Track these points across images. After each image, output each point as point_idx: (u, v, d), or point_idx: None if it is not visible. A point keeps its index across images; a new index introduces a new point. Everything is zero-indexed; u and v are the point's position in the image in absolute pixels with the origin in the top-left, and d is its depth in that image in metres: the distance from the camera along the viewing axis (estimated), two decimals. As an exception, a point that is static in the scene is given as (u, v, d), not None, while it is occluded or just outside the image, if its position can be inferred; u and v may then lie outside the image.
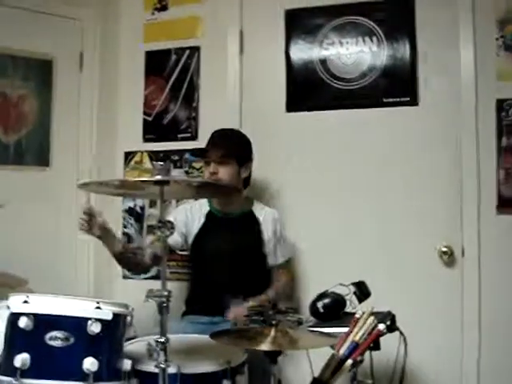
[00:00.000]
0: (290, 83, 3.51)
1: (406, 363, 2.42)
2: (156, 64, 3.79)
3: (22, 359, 1.94)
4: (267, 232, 3.11)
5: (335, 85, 3.41)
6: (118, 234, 3.45)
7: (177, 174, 3.58)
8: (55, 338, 1.99)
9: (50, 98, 3.60)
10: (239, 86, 3.56)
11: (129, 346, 2.31)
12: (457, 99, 3.19)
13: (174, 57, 3.73)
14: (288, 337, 2.09)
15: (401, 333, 2.40)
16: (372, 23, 3.35)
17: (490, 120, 3.14)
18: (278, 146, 3.50)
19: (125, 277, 3.70)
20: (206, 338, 2.23)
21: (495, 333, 3.08)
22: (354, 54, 3.39)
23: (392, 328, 2.37)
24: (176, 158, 3.66)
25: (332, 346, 2.18)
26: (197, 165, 3.60)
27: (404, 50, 3.30)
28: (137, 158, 3.77)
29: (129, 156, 3.80)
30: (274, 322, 2.12)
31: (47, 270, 3.24)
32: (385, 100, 3.32)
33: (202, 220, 3.15)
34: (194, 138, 3.64)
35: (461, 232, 3.16)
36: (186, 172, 3.63)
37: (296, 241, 3.34)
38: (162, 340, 1.97)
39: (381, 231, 3.30)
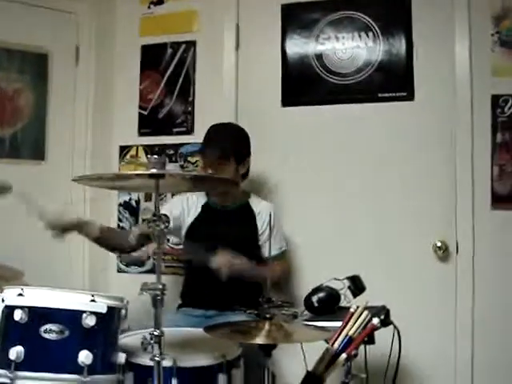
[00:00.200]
0: (286, 78, 3.51)
1: (400, 357, 2.43)
2: (152, 58, 3.78)
3: (16, 352, 1.95)
4: (261, 224, 3.11)
5: (331, 80, 3.42)
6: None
7: (172, 168, 3.58)
8: (50, 331, 2.00)
9: (46, 91, 3.60)
10: (235, 81, 3.56)
11: (123, 339, 2.32)
12: (452, 95, 3.19)
13: (169, 51, 3.73)
14: (282, 330, 2.10)
15: (395, 327, 2.41)
16: (368, 18, 3.35)
17: (485, 116, 3.14)
18: (274, 140, 3.50)
19: (120, 270, 3.70)
20: (201, 331, 2.23)
21: (489, 327, 3.09)
22: (349, 49, 3.39)
23: (386, 322, 2.38)
24: (171, 152, 3.66)
25: (326, 340, 2.19)
26: (192, 159, 3.60)
27: (400, 45, 3.30)
28: (132, 151, 3.77)
29: (124, 150, 3.79)
30: (268, 316, 2.13)
31: (42, 263, 3.23)
32: (380, 95, 3.33)
33: (198, 211, 3.15)
34: (189, 132, 3.64)
35: (455, 227, 3.17)
36: (182, 166, 3.63)
37: (292, 236, 3.34)
38: (157, 333, 1.97)
39: (376, 226, 3.31)
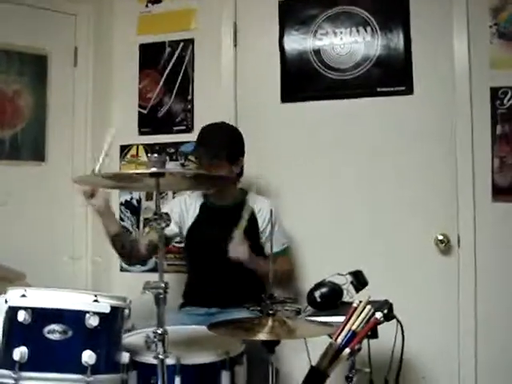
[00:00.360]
0: (285, 74, 3.51)
1: (404, 351, 2.43)
2: (150, 57, 3.78)
3: (20, 352, 1.95)
4: (262, 221, 3.10)
5: (329, 75, 3.42)
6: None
7: (172, 166, 3.59)
8: (53, 332, 2.00)
9: (45, 92, 3.60)
10: (234, 78, 3.56)
11: (127, 339, 2.32)
12: (451, 88, 3.19)
13: (168, 49, 3.73)
14: (286, 326, 2.10)
15: (398, 321, 2.41)
16: (366, 13, 3.35)
17: (484, 108, 3.14)
18: (273, 136, 3.50)
19: (122, 269, 3.71)
20: (204, 329, 2.23)
21: (492, 320, 3.09)
22: (347, 44, 3.39)
23: (389, 316, 2.38)
24: (172, 150, 3.67)
25: (330, 335, 2.19)
26: (193, 157, 3.59)
27: (398, 39, 3.30)
28: (132, 151, 3.77)
29: (124, 149, 3.80)
30: (271, 312, 2.14)
31: (44, 263, 3.24)
32: (379, 89, 3.33)
33: (197, 211, 3.15)
34: (189, 130, 3.64)
35: (456, 220, 3.18)
36: (182, 165, 3.64)
37: (292, 231, 3.34)
38: (160, 331, 1.98)
39: (377, 220, 3.32)
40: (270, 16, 3.53)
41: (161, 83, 3.74)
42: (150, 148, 3.73)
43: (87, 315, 2.03)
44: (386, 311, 2.34)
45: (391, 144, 3.31)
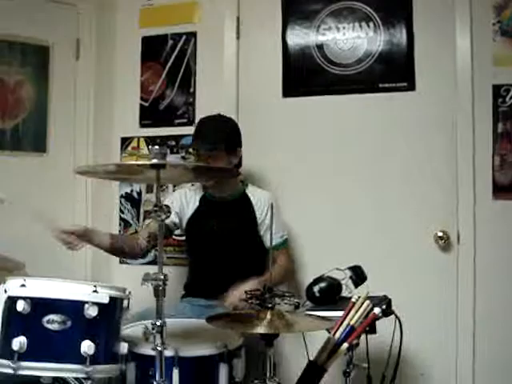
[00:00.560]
0: (287, 68, 3.51)
1: (402, 347, 2.43)
2: (152, 49, 3.78)
3: (19, 342, 1.95)
4: (260, 213, 3.10)
5: (332, 70, 3.41)
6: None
7: (173, 159, 3.59)
8: (52, 322, 2.00)
9: (47, 84, 3.60)
10: (236, 72, 3.56)
11: (126, 330, 2.33)
12: (453, 85, 3.19)
13: (170, 42, 3.73)
14: (284, 320, 2.11)
15: (396, 317, 2.42)
16: (369, 8, 3.34)
17: (486, 106, 3.14)
18: (274, 131, 3.50)
19: (122, 262, 3.71)
20: (202, 321, 2.23)
21: (490, 317, 3.09)
22: (350, 39, 3.39)
23: (388, 312, 2.38)
24: (173, 143, 3.67)
25: (328, 330, 2.19)
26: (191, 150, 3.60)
27: (400, 35, 3.29)
28: (133, 143, 3.77)
29: (125, 142, 3.80)
30: (269, 305, 2.14)
31: (45, 254, 3.24)
32: (381, 85, 3.32)
33: (197, 204, 3.16)
34: (190, 123, 3.63)
35: (456, 217, 3.18)
36: (183, 157, 3.64)
37: (293, 226, 3.34)
38: (159, 323, 1.98)
39: (377, 216, 3.32)
40: (273, 10, 3.53)
41: (163, 76, 3.74)
42: (151, 141, 3.72)
43: (86, 305, 2.03)
44: (384, 307, 2.35)
45: (392, 140, 3.31)
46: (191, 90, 3.68)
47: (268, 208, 3.04)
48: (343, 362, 2.29)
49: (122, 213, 3.75)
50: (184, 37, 3.70)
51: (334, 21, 3.42)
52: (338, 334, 2.17)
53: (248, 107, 3.53)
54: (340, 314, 2.24)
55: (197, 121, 3.35)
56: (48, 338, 2.01)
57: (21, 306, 1.99)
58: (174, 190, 3.49)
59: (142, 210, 3.74)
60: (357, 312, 2.21)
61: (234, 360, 2.30)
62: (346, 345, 2.15)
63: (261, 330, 2.04)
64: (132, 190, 3.75)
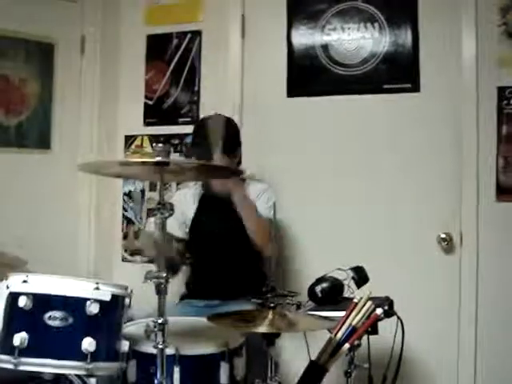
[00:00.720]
0: (292, 68, 3.51)
1: (404, 348, 2.43)
2: (157, 48, 3.78)
3: (20, 338, 1.95)
4: (261, 204, 3.08)
5: (336, 70, 3.41)
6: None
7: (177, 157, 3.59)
8: (54, 318, 2.00)
9: (52, 81, 3.61)
10: (240, 71, 3.56)
11: (127, 328, 2.32)
12: (458, 86, 3.18)
13: (175, 41, 3.73)
14: (286, 319, 2.10)
15: (398, 318, 2.41)
16: (374, 9, 3.34)
17: (490, 108, 3.13)
18: (278, 130, 3.50)
19: (124, 259, 3.71)
20: (204, 320, 2.23)
21: (493, 319, 3.09)
22: (355, 39, 3.39)
23: (390, 313, 2.38)
24: (176, 141, 3.67)
25: (330, 330, 2.19)
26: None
27: (405, 36, 3.29)
28: (137, 141, 3.77)
29: (129, 140, 3.80)
30: (271, 305, 2.14)
31: (48, 251, 3.25)
32: (386, 86, 3.32)
33: (197, 204, 3.17)
34: (194, 122, 3.62)
35: (460, 219, 3.17)
36: (186, 156, 3.63)
37: (295, 225, 3.37)
38: (160, 321, 1.98)
39: (380, 218, 3.31)
40: (279, 9, 3.52)
41: (167, 74, 3.74)
42: (154, 139, 3.72)
43: (88, 302, 2.03)
44: (386, 308, 2.34)
45: (396, 141, 3.30)
46: (195, 88, 3.68)
47: (261, 194, 3.09)
48: (344, 362, 2.29)
49: (126, 211, 3.76)
50: (189, 35, 3.70)
51: (340, 21, 3.41)
52: (339, 335, 2.17)
53: (252, 106, 3.53)
54: (342, 314, 2.24)
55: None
56: (49, 334, 2.00)
57: (23, 301, 1.99)
58: (177, 189, 3.48)
59: (144, 208, 3.74)
60: (359, 313, 2.20)
61: (235, 359, 2.29)
62: (347, 345, 2.15)
63: (262, 329, 2.04)
64: (135, 188, 3.75)
